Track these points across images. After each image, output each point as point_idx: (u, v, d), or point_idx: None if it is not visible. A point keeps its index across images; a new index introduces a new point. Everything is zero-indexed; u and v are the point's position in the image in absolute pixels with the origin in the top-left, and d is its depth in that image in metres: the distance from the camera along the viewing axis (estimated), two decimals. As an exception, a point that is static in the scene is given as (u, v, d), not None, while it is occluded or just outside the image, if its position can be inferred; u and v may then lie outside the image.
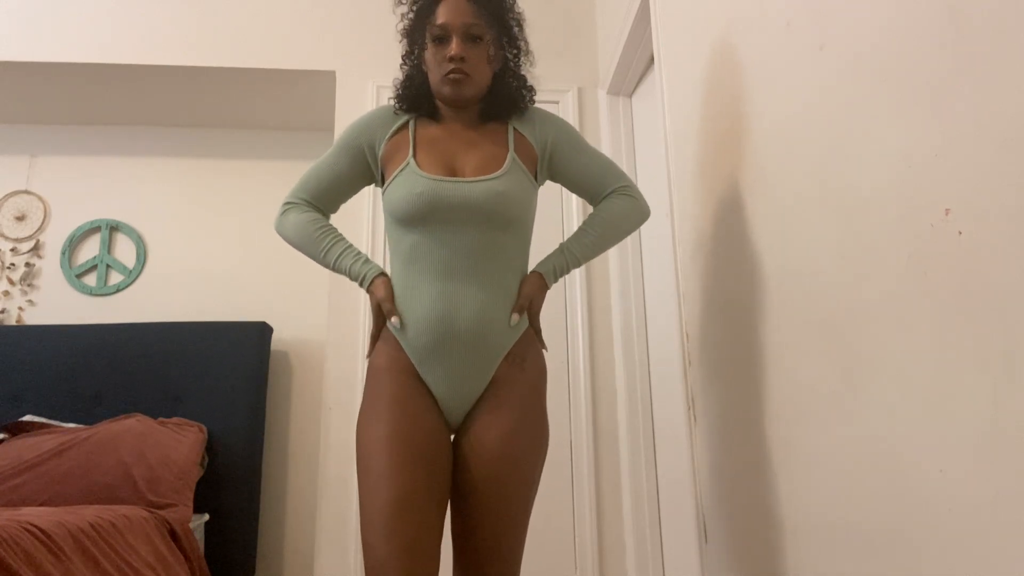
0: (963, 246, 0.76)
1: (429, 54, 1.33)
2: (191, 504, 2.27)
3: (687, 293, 1.72)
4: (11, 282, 3.05)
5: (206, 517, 2.49)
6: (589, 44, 2.93)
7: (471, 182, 1.26)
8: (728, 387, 1.46)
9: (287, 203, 1.38)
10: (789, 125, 1.19)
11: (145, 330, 2.77)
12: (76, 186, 3.19)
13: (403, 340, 1.25)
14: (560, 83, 2.82)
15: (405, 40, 1.40)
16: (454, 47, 1.28)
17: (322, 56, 2.85)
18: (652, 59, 2.22)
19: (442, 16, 1.29)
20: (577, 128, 2.78)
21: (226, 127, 3.32)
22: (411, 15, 1.37)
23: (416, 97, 1.38)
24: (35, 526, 1.47)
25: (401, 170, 1.29)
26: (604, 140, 2.75)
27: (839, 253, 1.02)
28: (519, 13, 1.39)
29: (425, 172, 1.27)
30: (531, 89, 1.42)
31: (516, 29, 1.38)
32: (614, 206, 1.39)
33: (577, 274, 2.63)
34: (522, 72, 1.41)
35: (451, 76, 1.29)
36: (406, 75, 1.41)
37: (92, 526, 1.67)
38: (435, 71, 1.32)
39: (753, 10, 1.34)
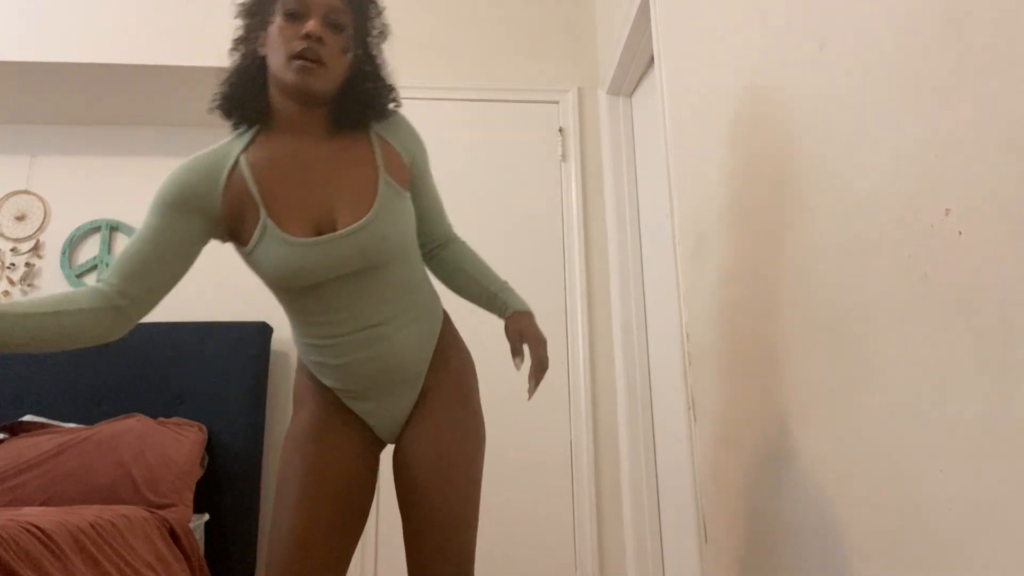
0: (963, 246, 0.76)
1: (276, 28, 1.10)
2: (191, 504, 2.27)
3: (687, 293, 1.72)
4: (11, 282, 3.05)
5: (206, 517, 2.49)
6: (589, 44, 2.93)
7: (350, 235, 1.08)
8: (728, 387, 1.45)
9: None
10: (789, 125, 1.19)
11: (145, 330, 2.77)
12: (76, 186, 3.19)
13: (326, 382, 1.19)
14: (560, 83, 2.81)
15: (242, 17, 1.19)
16: (312, 24, 1.07)
17: (322, 56, 2.84)
18: (652, 59, 2.22)
19: None
20: (577, 128, 2.78)
21: (226, 127, 3.30)
22: None
23: (247, 97, 1.17)
24: (35, 526, 1.47)
25: (260, 236, 1.09)
26: (604, 140, 2.75)
27: (839, 253, 1.02)
28: (382, 7, 1.22)
29: (290, 233, 1.08)
30: (391, 88, 1.21)
31: (376, 20, 1.20)
32: (475, 257, 1.36)
33: (577, 274, 2.63)
34: (381, 74, 1.20)
35: (301, 62, 1.07)
36: (237, 65, 1.18)
37: (92, 526, 1.67)
38: (281, 50, 1.09)
39: (753, 10, 1.34)
